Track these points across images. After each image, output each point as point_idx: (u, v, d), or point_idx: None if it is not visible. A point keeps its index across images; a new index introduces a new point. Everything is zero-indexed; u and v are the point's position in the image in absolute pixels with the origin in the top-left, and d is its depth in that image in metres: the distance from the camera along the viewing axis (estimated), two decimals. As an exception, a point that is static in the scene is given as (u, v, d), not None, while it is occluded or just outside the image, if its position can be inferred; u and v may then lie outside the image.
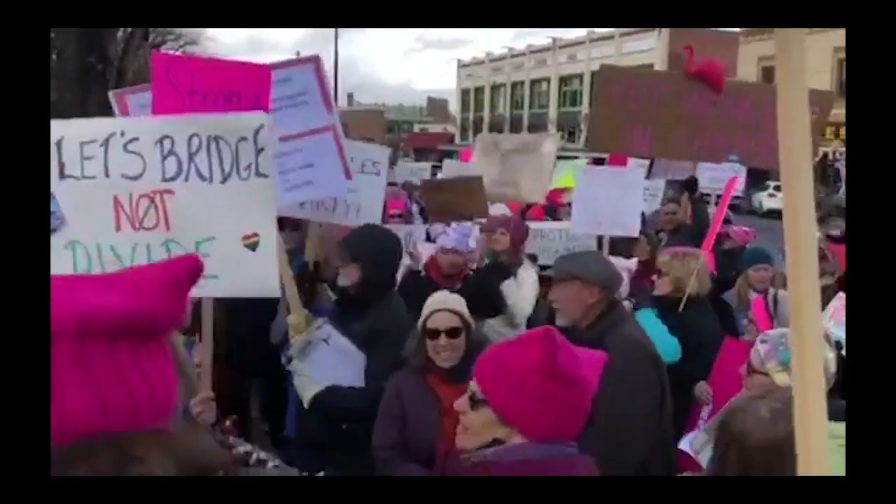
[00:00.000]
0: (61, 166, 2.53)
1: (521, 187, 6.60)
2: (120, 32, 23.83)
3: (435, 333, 2.87)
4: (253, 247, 2.52)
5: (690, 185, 6.74)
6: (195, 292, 1.37)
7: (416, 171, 12.85)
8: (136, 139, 2.55)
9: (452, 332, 2.88)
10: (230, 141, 2.51)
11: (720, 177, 6.78)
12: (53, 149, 2.51)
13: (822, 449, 1.11)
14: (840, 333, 3.34)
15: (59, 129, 2.53)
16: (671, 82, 5.51)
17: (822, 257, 4.67)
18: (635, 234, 5.40)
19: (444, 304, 2.98)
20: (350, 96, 60.25)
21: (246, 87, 3.00)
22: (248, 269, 2.52)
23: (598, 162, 8.40)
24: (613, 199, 5.14)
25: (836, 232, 7.06)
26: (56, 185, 2.51)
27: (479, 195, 5.55)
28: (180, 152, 2.52)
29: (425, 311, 2.96)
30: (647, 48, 40.93)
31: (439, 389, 2.79)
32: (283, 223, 4.00)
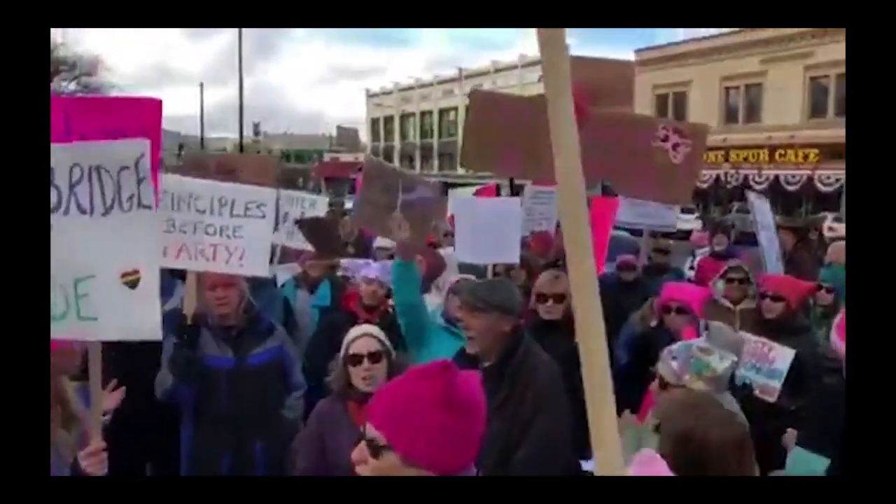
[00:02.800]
0: None
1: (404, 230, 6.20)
2: None
3: (357, 359, 2.92)
4: (133, 284, 2.35)
5: None
6: (77, 336, 1.40)
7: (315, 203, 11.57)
8: None
9: (374, 357, 2.93)
10: (112, 170, 2.37)
11: (647, 212, 6.92)
12: None
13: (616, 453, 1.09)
14: (749, 375, 3.65)
15: None
16: (540, 107, 4.69)
17: (746, 280, 4.78)
18: (515, 261, 5.41)
19: (367, 331, 3.05)
20: (256, 125, 59.49)
21: (132, 123, 2.80)
22: (128, 310, 2.33)
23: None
24: (493, 228, 5.13)
25: (720, 247, 7.80)
26: None
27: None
28: (60, 184, 2.35)
29: (347, 339, 3.01)
30: None
31: (359, 415, 2.75)
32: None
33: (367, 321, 3.88)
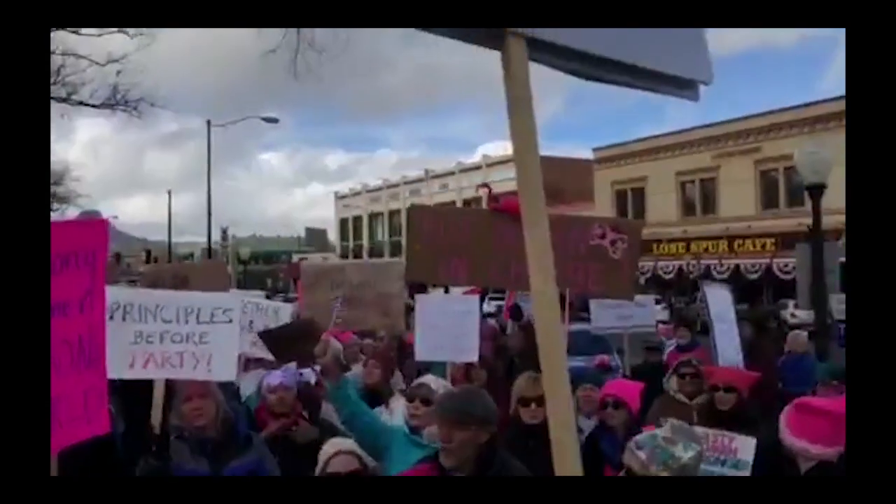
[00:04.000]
0: None
1: (369, 321, 6.37)
2: None
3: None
4: None
5: (514, 313, 7.14)
6: None
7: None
8: None
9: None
10: None
11: (623, 314, 7.12)
12: None
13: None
14: (715, 470, 3.42)
15: None
16: (479, 216, 5.93)
17: (696, 374, 4.89)
18: (474, 359, 5.37)
19: (340, 447, 3.03)
20: (224, 230, 60.83)
21: (82, 246, 2.82)
22: None
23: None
24: (452, 326, 5.17)
25: (682, 341, 7.75)
26: None
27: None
28: None
29: (323, 456, 2.97)
30: (512, 176, 49.44)
31: None
32: None
33: (283, 427, 3.92)
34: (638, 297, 7.57)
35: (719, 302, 6.58)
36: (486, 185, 7.00)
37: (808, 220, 9.81)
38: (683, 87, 1.89)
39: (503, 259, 5.46)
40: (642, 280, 34.46)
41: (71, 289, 2.84)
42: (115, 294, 3.70)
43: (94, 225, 2.90)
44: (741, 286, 31.15)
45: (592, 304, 7.12)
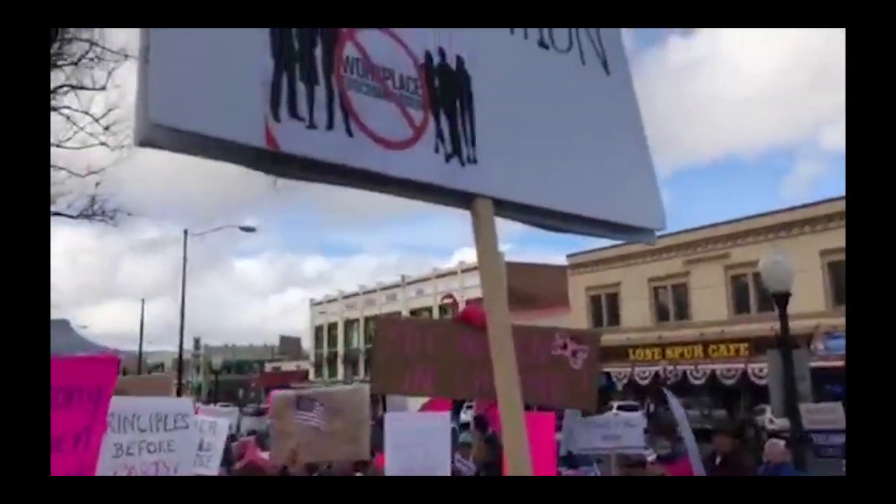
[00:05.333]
0: None
1: (336, 451, 6.32)
2: None
3: None
4: None
5: (480, 423, 7.18)
6: None
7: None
8: None
9: None
10: None
11: (611, 433, 6.64)
12: None
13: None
14: None
15: None
16: (444, 327, 6.20)
17: None
18: (446, 473, 5.34)
19: None
20: (196, 340, 59.83)
21: (89, 381, 2.80)
22: None
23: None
24: (422, 444, 5.17)
25: (664, 451, 7.66)
26: None
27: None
28: None
29: None
30: None
31: None
32: None
33: None
34: (627, 416, 7.51)
35: (680, 407, 6.68)
36: (450, 295, 6.59)
37: (778, 325, 9.99)
38: (639, 232, 2.06)
39: (467, 369, 5.50)
40: (619, 387, 34.31)
41: (68, 424, 2.77)
42: None
43: (103, 362, 2.92)
44: (718, 391, 31.21)
45: (572, 420, 6.74)
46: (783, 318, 9.62)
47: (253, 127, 1.32)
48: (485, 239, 1.65)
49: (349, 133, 1.46)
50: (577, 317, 37.50)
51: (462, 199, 1.67)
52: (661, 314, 36.78)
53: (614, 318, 37.19)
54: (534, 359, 5.60)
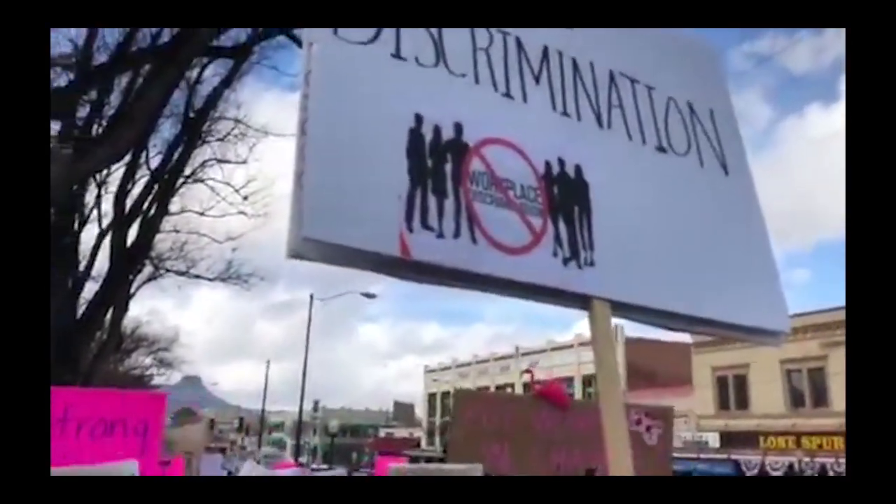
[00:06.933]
0: None
1: None
2: (93, 343, 25.15)
3: None
4: None
5: None
6: None
7: None
8: None
9: None
10: None
11: None
12: None
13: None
14: None
15: None
16: (522, 403, 5.93)
17: None
18: None
19: None
20: (316, 402, 61.32)
21: (133, 415, 2.94)
22: None
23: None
24: None
25: None
26: None
27: None
28: None
29: None
30: None
31: None
32: None
33: None
34: None
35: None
36: (528, 370, 6.44)
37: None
38: (764, 334, 2.04)
39: (544, 447, 5.38)
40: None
41: (113, 455, 2.93)
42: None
43: (150, 398, 3.01)
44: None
45: None
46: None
47: (389, 238, 1.47)
48: (601, 339, 1.70)
49: (473, 241, 1.59)
50: (701, 397, 35.53)
51: (580, 300, 1.74)
52: (796, 400, 34.18)
53: (742, 402, 34.91)
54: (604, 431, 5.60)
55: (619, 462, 1.49)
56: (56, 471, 2.21)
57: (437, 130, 1.64)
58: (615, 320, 1.72)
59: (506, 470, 5.56)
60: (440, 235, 1.56)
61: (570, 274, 1.71)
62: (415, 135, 1.61)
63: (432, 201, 1.58)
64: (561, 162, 1.84)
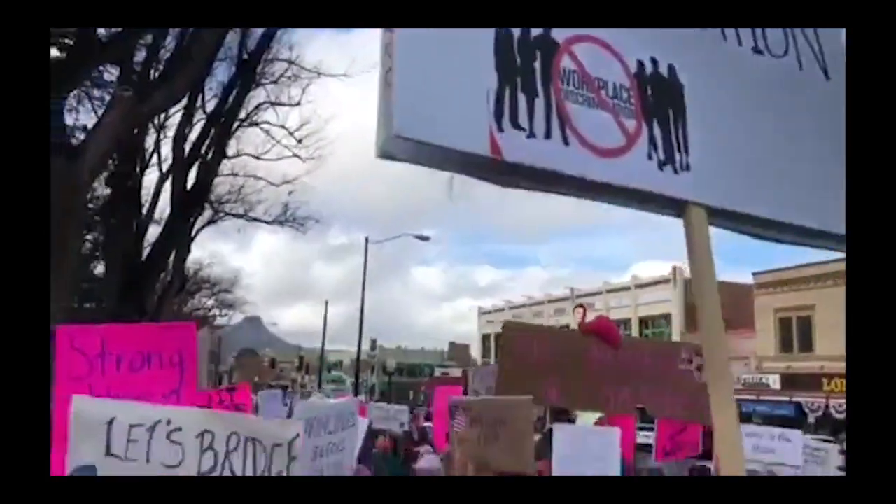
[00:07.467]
0: (108, 444, 2.58)
1: (502, 464, 5.66)
2: (158, 284, 26.26)
3: None
4: None
5: None
6: None
7: (394, 414, 11.64)
8: (178, 429, 2.58)
9: None
10: (266, 445, 2.51)
11: (764, 446, 6.53)
12: (104, 426, 2.59)
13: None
14: None
15: (113, 410, 2.64)
16: (570, 338, 5.98)
17: None
18: None
19: None
20: (373, 341, 61.93)
21: (167, 346, 3.04)
22: None
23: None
24: (590, 458, 5.00)
25: None
26: (100, 461, 2.55)
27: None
28: (218, 448, 2.53)
29: None
30: (662, 299, 43.37)
31: None
32: None
33: None
34: (785, 431, 6.92)
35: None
36: (581, 305, 6.61)
37: None
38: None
39: (594, 382, 5.47)
40: (812, 419, 31.45)
41: (153, 386, 3.06)
42: (306, 411, 3.87)
43: (179, 328, 3.11)
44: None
45: None
46: None
47: (479, 137, 1.41)
48: (698, 248, 1.63)
49: (565, 142, 1.52)
50: (763, 339, 34.94)
51: (674, 206, 1.67)
52: (862, 341, 33.12)
53: (806, 344, 34.15)
54: (660, 373, 5.61)
55: (721, 387, 1.51)
56: (111, 402, 2.60)
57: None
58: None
59: (555, 402, 5.88)
60: (531, 135, 1.49)
61: (665, 178, 1.63)
62: (501, 31, 1.53)
63: (522, 100, 1.51)
64: (654, 62, 1.73)
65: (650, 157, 1.63)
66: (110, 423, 2.61)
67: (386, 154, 1.37)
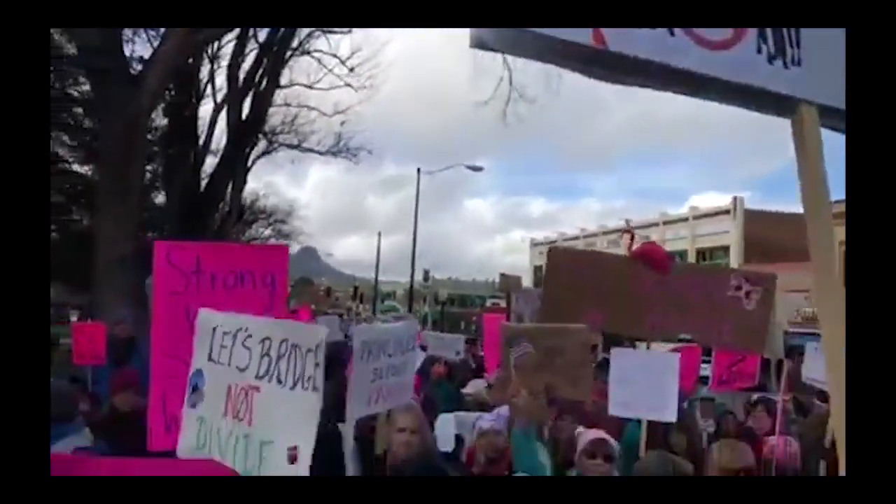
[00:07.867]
0: (210, 350, 2.80)
1: (558, 389, 5.74)
2: (217, 214, 26.63)
3: None
4: (293, 459, 2.50)
5: None
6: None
7: (450, 342, 11.48)
8: (250, 336, 2.73)
9: None
10: (303, 350, 2.59)
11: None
12: (209, 334, 2.81)
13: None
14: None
15: (217, 319, 2.84)
16: (617, 263, 5.81)
17: None
18: (672, 418, 5.05)
19: None
20: (426, 272, 61.70)
21: (259, 267, 3.09)
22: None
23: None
24: (648, 383, 4.96)
25: None
26: (205, 365, 2.79)
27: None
28: (273, 354, 2.65)
29: None
30: (721, 230, 42.09)
31: None
32: None
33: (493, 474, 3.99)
34: None
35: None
36: (628, 230, 6.81)
37: None
38: None
39: (638, 308, 5.38)
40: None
41: (247, 304, 3.08)
42: (363, 333, 3.92)
43: (272, 250, 3.14)
44: None
45: (808, 348, 5.91)
46: None
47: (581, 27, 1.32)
48: (809, 150, 1.52)
49: (671, 32, 1.41)
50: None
51: (784, 105, 1.55)
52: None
53: (870, 277, 32.92)
54: (709, 300, 5.47)
55: (830, 309, 1.40)
56: (217, 314, 2.73)
57: None
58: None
59: (599, 327, 5.86)
60: (635, 25, 1.39)
61: (775, 73, 1.51)
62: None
63: (626, -13, 1.39)
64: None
65: (759, 51, 1.51)
66: (213, 330, 2.80)
67: (479, 44, 1.29)
